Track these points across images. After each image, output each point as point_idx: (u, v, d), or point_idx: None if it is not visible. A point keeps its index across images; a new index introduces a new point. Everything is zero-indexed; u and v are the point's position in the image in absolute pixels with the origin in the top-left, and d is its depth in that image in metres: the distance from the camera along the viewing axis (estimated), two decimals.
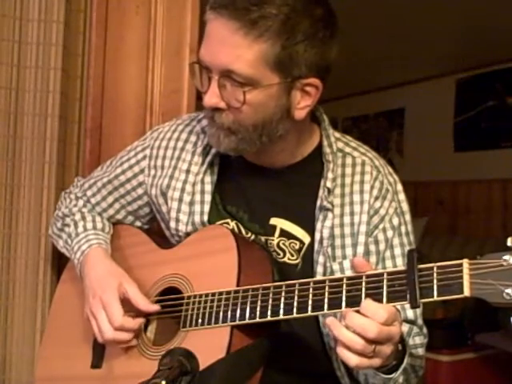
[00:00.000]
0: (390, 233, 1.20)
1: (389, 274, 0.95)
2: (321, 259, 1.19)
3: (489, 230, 4.52)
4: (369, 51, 4.21)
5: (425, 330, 1.21)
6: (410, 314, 1.17)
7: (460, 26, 3.84)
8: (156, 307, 1.19)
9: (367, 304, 0.93)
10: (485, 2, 3.37)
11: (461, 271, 0.89)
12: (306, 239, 1.21)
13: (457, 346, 3.48)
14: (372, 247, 1.19)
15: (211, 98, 1.10)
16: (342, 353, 0.93)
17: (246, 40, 1.05)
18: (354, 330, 0.92)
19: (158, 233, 1.37)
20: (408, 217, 1.25)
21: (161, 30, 1.72)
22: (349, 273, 1.16)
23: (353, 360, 0.93)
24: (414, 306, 0.91)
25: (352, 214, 1.20)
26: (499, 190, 4.60)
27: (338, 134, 1.29)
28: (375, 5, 3.34)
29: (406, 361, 1.02)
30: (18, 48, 1.59)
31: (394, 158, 5.41)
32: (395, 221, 1.21)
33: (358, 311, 0.93)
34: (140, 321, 1.18)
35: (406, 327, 1.15)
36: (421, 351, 1.18)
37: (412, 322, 1.18)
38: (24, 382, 1.60)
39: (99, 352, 1.25)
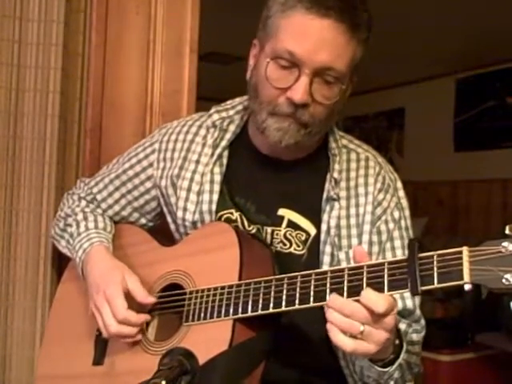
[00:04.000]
0: (391, 225, 1.24)
1: (390, 263, 0.96)
2: (328, 249, 1.21)
3: (489, 230, 4.52)
4: (369, 51, 4.21)
5: (422, 321, 1.22)
6: (409, 303, 1.18)
7: (460, 26, 3.84)
8: (152, 299, 1.20)
9: (368, 293, 0.93)
10: (485, 3, 3.37)
11: (461, 258, 0.90)
12: (312, 231, 1.24)
13: (457, 346, 3.49)
14: (374, 237, 1.23)
15: (305, 94, 1.11)
16: (336, 338, 0.94)
17: (350, 42, 1.13)
18: (340, 312, 0.94)
19: (161, 231, 1.37)
20: (407, 212, 1.28)
21: (161, 30, 1.72)
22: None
23: (348, 344, 0.93)
24: (414, 293, 0.92)
25: (357, 205, 1.24)
26: (499, 190, 4.61)
27: (341, 133, 1.33)
28: (375, 5, 3.34)
29: (402, 356, 1.03)
30: (18, 48, 1.59)
31: (394, 158, 5.41)
32: (396, 214, 1.25)
33: (358, 301, 0.94)
34: (144, 316, 1.19)
35: (404, 325, 1.17)
36: (417, 348, 1.18)
37: (411, 312, 1.19)
38: (24, 382, 1.60)
39: (101, 349, 1.25)
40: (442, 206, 5.04)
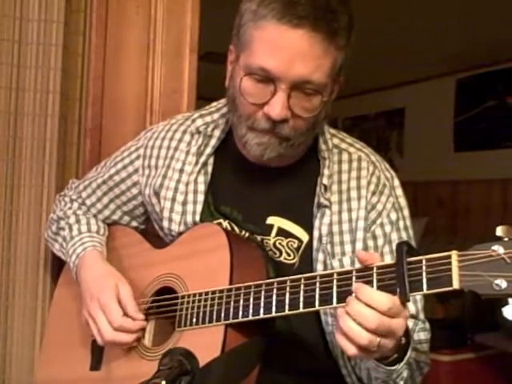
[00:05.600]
0: (387, 228, 1.20)
1: (378, 267, 0.94)
2: (320, 257, 1.18)
3: (489, 230, 4.49)
4: (369, 51, 4.21)
5: (427, 324, 1.20)
6: (411, 308, 1.16)
7: (460, 26, 3.84)
8: (141, 317, 1.17)
9: (370, 291, 0.91)
10: (485, 3, 3.37)
11: (449, 263, 0.88)
12: (305, 237, 1.21)
13: (457, 346, 3.48)
14: (370, 242, 1.19)
15: (283, 110, 1.07)
16: (343, 342, 0.92)
17: (328, 50, 1.07)
18: (355, 318, 0.90)
19: (153, 233, 1.37)
20: (406, 212, 1.24)
21: (161, 30, 1.72)
22: None
23: (352, 350, 0.92)
24: (403, 300, 0.90)
25: (350, 210, 1.20)
26: (499, 189, 4.60)
27: (333, 131, 1.29)
28: (375, 5, 3.34)
29: (409, 353, 1.00)
30: (18, 48, 1.59)
31: (394, 158, 5.40)
32: (393, 216, 1.21)
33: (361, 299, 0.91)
34: (140, 323, 1.18)
35: (410, 322, 1.14)
36: (426, 347, 1.17)
37: (414, 317, 1.17)
38: (24, 382, 1.60)
39: (98, 354, 1.25)
40: (442, 205, 5.04)
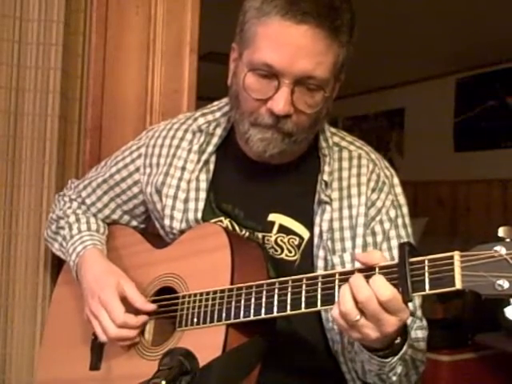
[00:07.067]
0: (386, 225, 1.21)
1: (380, 268, 0.94)
2: (321, 253, 1.19)
3: (489, 230, 4.50)
4: (369, 51, 4.20)
5: (424, 322, 1.20)
6: (409, 304, 1.16)
7: (460, 26, 3.84)
8: (152, 306, 1.19)
9: (380, 278, 0.92)
10: (485, 3, 3.37)
11: (452, 264, 0.88)
12: (306, 234, 1.21)
13: (457, 346, 3.48)
14: (369, 239, 1.20)
15: (286, 105, 1.08)
16: (335, 304, 0.95)
17: (330, 47, 1.08)
18: (351, 288, 0.92)
19: (153, 233, 1.37)
20: (405, 210, 1.25)
21: (161, 30, 1.72)
22: (349, 266, 1.17)
23: (334, 312, 0.94)
24: (406, 300, 0.91)
25: (350, 207, 1.21)
26: (499, 189, 4.60)
27: (333, 129, 1.30)
28: (375, 5, 3.34)
29: (405, 349, 1.00)
30: (18, 48, 1.59)
31: (394, 158, 5.41)
32: (392, 213, 1.22)
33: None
34: (143, 318, 1.18)
35: (408, 320, 1.14)
36: (422, 345, 1.17)
37: (411, 314, 1.16)
38: (24, 382, 1.60)
39: (97, 354, 1.24)
40: (442, 205, 5.04)
